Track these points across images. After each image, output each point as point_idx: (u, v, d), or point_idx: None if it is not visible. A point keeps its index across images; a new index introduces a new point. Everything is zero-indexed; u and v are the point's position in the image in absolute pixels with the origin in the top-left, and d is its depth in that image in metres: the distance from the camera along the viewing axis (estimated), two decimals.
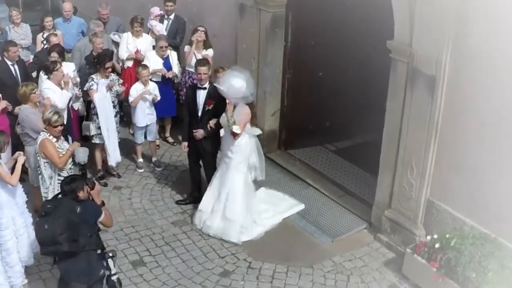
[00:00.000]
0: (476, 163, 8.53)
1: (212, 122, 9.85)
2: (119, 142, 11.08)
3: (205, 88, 9.89)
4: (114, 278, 7.69)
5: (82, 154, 8.63)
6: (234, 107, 9.55)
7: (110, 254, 7.70)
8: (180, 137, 12.38)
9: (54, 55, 10.85)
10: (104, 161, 11.17)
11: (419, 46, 8.67)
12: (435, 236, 8.78)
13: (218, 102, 9.77)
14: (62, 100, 10.26)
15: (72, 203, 7.31)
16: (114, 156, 10.87)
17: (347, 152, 12.14)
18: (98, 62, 10.72)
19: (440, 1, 8.26)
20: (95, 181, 8.01)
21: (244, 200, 9.84)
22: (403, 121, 9.16)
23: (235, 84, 9.42)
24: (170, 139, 12.62)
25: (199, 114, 9.95)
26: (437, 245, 8.63)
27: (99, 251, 7.58)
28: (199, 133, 9.93)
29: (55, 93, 10.21)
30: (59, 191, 8.41)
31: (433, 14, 8.37)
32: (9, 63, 10.97)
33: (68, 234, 7.12)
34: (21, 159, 8.56)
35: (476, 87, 8.30)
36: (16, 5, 15.39)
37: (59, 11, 15.05)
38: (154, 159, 11.79)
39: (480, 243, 8.39)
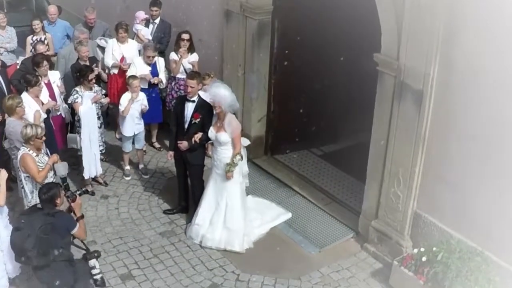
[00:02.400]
0: (463, 176, 8.57)
1: (197, 137, 9.78)
2: (104, 151, 11.14)
3: (193, 101, 9.84)
4: (98, 277, 8.16)
5: (62, 169, 8.76)
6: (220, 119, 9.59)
7: (95, 255, 8.15)
8: (166, 142, 12.42)
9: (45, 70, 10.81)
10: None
11: (407, 60, 8.66)
12: (422, 249, 8.82)
13: (205, 116, 9.77)
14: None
15: (44, 218, 7.77)
16: (94, 168, 10.83)
17: (333, 157, 12.16)
18: (81, 75, 10.63)
19: (428, 15, 8.25)
20: (77, 194, 8.32)
21: (242, 209, 9.88)
22: (390, 133, 9.18)
23: (225, 92, 9.39)
24: (157, 145, 12.59)
25: (186, 126, 9.90)
26: (424, 258, 8.68)
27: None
28: (183, 144, 9.88)
29: (31, 108, 10.06)
30: None
31: (421, 28, 8.36)
32: None
33: (38, 250, 7.69)
34: (3, 176, 8.47)
35: (463, 102, 8.32)
36: (0, 6, 15.20)
37: (44, 12, 14.96)
38: (141, 166, 11.75)
39: (467, 257, 8.43)
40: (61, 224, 7.84)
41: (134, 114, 11.20)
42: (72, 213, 8.16)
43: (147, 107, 11.33)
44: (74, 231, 7.99)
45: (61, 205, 8.10)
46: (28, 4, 16.05)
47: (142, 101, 11.23)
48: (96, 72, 11.14)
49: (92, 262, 8.12)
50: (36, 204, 8.28)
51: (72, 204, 8.21)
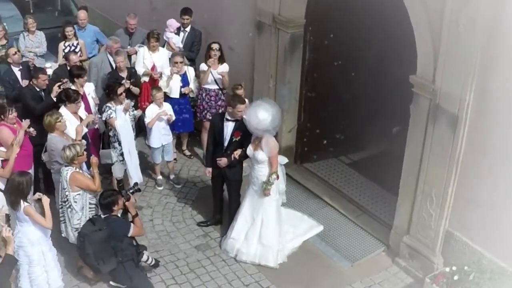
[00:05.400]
0: (495, 198, 8.71)
1: (236, 153, 9.89)
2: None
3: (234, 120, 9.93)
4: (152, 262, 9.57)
5: (119, 171, 9.83)
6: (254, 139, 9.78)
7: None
8: (197, 150, 12.59)
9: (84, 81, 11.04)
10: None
11: (443, 83, 8.76)
12: (454, 268, 8.97)
13: (245, 134, 9.81)
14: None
15: (97, 234, 8.86)
16: (136, 177, 10.94)
17: (361, 165, 12.29)
18: (110, 91, 10.70)
19: (465, 40, 8.34)
20: (130, 194, 9.34)
21: (277, 225, 10.02)
22: (424, 154, 9.30)
23: (259, 114, 9.36)
24: (187, 152, 12.70)
25: (225, 144, 9.98)
26: (455, 277, 8.83)
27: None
28: (223, 161, 9.99)
29: (71, 123, 10.19)
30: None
31: (458, 54, 8.44)
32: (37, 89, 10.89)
33: (101, 260, 8.89)
34: (46, 201, 8.60)
35: (498, 127, 8.45)
36: (26, 6, 15.29)
37: (69, 11, 15.09)
38: (172, 176, 11.86)
39: (498, 278, 8.61)
40: (116, 231, 8.95)
41: (160, 125, 11.28)
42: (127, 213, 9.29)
43: (173, 116, 11.40)
44: (130, 233, 9.07)
45: (118, 211, 9.09)
46: (54, 4, 16.10)
47: (167, 111, 11.28)
48: (127, 86, 11.28)
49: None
50: (90, 219, 9.15)
51: (127, 203, 9.14)
